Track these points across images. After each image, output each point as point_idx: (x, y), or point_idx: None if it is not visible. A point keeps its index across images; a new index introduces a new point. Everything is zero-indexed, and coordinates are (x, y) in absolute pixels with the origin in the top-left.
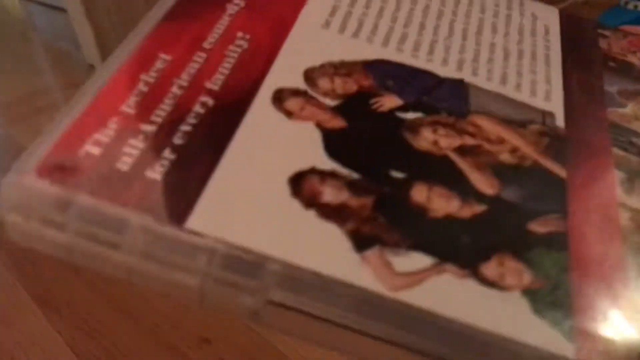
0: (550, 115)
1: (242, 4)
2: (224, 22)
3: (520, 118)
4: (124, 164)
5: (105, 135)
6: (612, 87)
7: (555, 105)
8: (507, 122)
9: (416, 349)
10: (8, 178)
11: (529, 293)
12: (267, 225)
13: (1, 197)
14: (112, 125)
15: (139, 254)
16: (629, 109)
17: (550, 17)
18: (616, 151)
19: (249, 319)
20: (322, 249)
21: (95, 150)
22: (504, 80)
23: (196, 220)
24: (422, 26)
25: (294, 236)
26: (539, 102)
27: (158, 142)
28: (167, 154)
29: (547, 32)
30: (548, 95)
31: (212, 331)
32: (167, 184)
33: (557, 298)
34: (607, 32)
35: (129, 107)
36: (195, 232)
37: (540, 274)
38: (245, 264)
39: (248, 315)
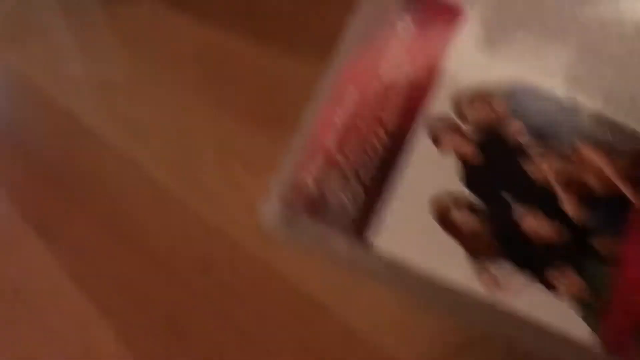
0: None
1: (409, 20)
2: (392, 45)
3: (623, 146)
4: (332, 195)
5: (317, 170)
6: None
7: None
8: (608, 151)
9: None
10: (266, 207)
11: (576, 299)
12: (418, 243)
13: (261, 218)
14: (321, 161)
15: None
16: None
17: None
18: None
19: None
20: (452, 261)
21: (313, 185)
22: (619, 105)
23: (375, 239)
24: (564, 43)
25: (434, 251)
26: None
27: (351, 176)
28: (356, 186)
29: None
30: None
31: (214, 258)
32: (357, 212)
33: (591, 303)
34: None
35: (329, 143)
36: (375, 248)
37: (589, 285)
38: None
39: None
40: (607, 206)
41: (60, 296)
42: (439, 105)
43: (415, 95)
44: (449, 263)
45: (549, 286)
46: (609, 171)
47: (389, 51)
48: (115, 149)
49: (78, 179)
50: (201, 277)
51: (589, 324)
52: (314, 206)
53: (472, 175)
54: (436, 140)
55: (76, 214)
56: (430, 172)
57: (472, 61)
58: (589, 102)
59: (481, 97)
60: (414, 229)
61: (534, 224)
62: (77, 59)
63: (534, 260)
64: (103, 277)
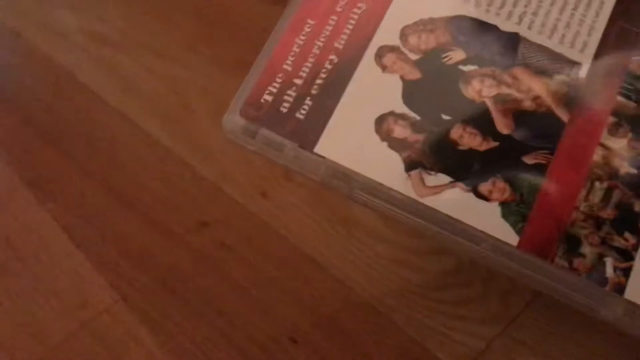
0: (578, 66)
1: None
2: None
3: (552, 68)
4: (285, 107)
5: (274, 87)
6: None
7: (587, 55)
8: (540, 73)
9: (429, 234)
10: (225, 119)
11: (503, 204)
12: (357, 152)
13: (224, 127)
14: (278, 79)
15: (290, 164)
16: None
17: None
18: (620, 99)
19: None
20: (387, 169)
21: (269, 98)
22: (552, 32)
23: (319, 147)
24: None
25: (372, 160)
26: (574, 53)
27: (303, 92)
28: (308, 101)
29: None
30: (584, 46)
31: (210, 215)
32: (306, 123)
33: (519, 209)
34: None
35: (287, 65)
36: (319, 155)
37: (516, 192)
38: (342, 175)
39: (347, 197)
40: (540, 124)
41: (54, 250)
42: (388, 34)
43: (367, 25)
44: (388, 172)
45: (480, 195)
46: (542, 92)
47: None
48: (109, 105)
49: (73, 135)
50: (197, 234)
51: (514, 228)
52: (270, 118)
53: (413, 94)
54: (383, 65)
55: (71, 171)
56: (375, 92)
57: None
58: (530, 35)
59: (425, 27)
60: (356, 140)
61: (468, 139)
62: (70, 13)
63: (468, 173)
64: (98, 233)
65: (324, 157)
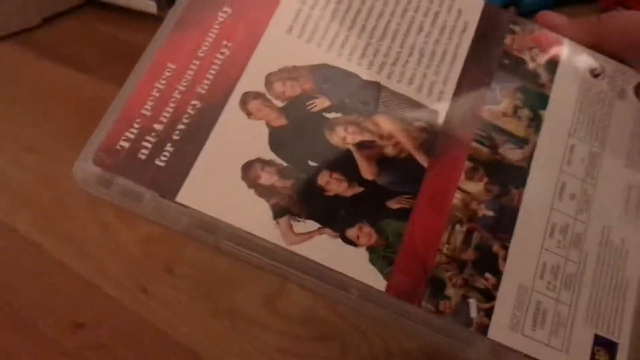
0: (435, 113)
1: (230, 11)
2: (214, 30)
3: (412, 116)
4: (143, 154)
5: (131, 133)
6: (497, 84)
7: (443, 103)
8: (400, 120)
9: (298, 281)
10: (76, 166)
11: (370, 249)
12: (223, 200)
13: (75, 176)
14: (136, 125)
15: (150, 215)
16: (502, 105)
17: (473, 12)
18: (474, 144)
19: (215, 249)
20: (255, 217)
21: (126, 145)
22: (411, 81)
23: (182, 196)
24: (362, 28)
25: (238, 208)
26: (432, 102)
27: (163, 138)
28: (168, 147)
29: (464, 29)
30: (441, 95)
31: (86, 315)
32: (167, 170)
33: (386, 253)
34: (517, 28)
35: (146, 110)
36: (181, 204)
37: (382, 237)
38: (207, 226)
39: (213, 247)
40: (401, 170)
41: None
42: (253, 81)
43: (231, 71)
44: (255, 220)
45: (348, 241)
46: (402, 139)
47: (208, 34)
48: None
49: None
50: (71, 336)
51: (381, 272)
52: (127, 166)
53: (279, 140)
54: (248, 111)
55: None
56: (241, 138)
57: (283, 44)
58: (388, 82)
59: (290, 75)
60: (222, 188)
61: (335, 185)
62: None
63: (335, 219)
64: None
65: (187, 207)
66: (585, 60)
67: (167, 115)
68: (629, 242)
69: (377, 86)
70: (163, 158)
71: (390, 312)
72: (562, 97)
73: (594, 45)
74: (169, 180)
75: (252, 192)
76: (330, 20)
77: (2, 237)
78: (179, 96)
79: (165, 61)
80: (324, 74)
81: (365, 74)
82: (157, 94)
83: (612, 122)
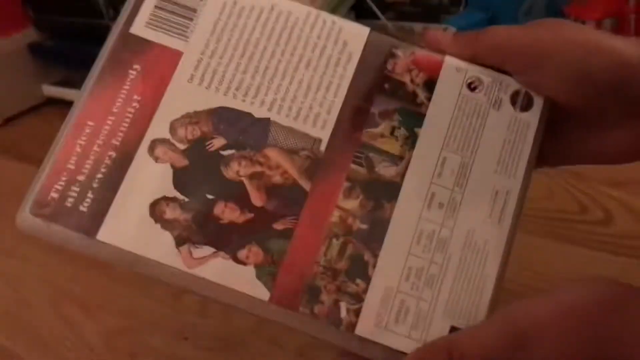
0: (319, 141)
1: (139, 68)
2: (126, 87)
3: (298, 146)
4: (69, 202)
5: (59, 185)
6: (377, 108)
7: (326, 131)
8: (287, 151)
9: (199, 294)
10: (19, 217)
11: (258, 267)
12: (134, 235)
13: (18, 224)
14: (63, 178)
15: (82, 252)
16: (381, 127)
17: (357, 42)
18: (353, 166)
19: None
20: (161, 247)
21: (56, 196)
22: (297, 114)
23: (102, 234)
24: (256, 70)
25: (147, 241)
26: (316, 131)
27: (85, 187)
28: (89, 194)
29: (349, 59)
30: (324, 124)
31: None
32: (89, 214)
33: (271, 269)
34: (399, 51)
35: (71, 164)
36: (101, 242)
37: (268, 255)
38: (124, 256)
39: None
40: (286, 195)
41: None
42: (159, 128)
43: (140, 122)
44: (161, 250)
45: (239, 261)
46: (288, 167)
47: (121, 92)
48: None
49: None
50: None
51: (266, 286)
52: (57, 213)
53: (182, 179)
54: (155, 157)
55: None
56: (149, 181)
57: (185, 92)
58: (278, 119)
59: (191, 120)
60: (133, 225)
61: (229, 214)
62: None
63: (229, 242)
64: None
65: (106, 243)
66: (462, 75)
67: (88, 167)
68: (491, 243)
69: (267, 122)
70: (85, 204)
71: (274, 318)
72: (438, 114)
73: (475, 60)
74: (91, 223)
75: (158, 226)
76: (227, 66)
77: None
78: (97, 149)
79: (86, 119)
80: (220, 116)
81: (257, 112)
82: (80, 150)
83: (485, 132)
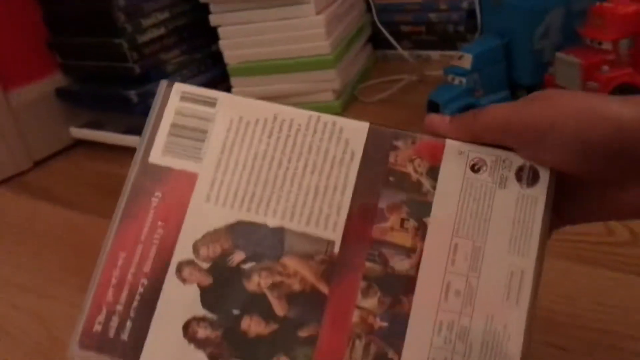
0: (332, 243)
1: (160, 194)
2: (150, 215)
3: (312, 251)
4: (111, 333)
5: (102, 317)
6: (384, 202)
7: (338, 232)
8: (303, 257)
9: None
10: (70, 350)
11: None
12: (172, 357)
13: (69, 358)
14: (104, 309)
15: None
16: (390, 221)
17: (358, 139)
18: (367, 264)
19: None
20: None
21: (99, 328)
22: (309, 219)
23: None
24: (266, 181)
25: None
26: (328, 233)
27: (124, 317)
28: (128, 323)
29: (352, 158)
30: (335, 225)
31: None
32: (129, 343)
33: None
34: (399, 142)
35: (109, 296)
36: None
37: None
38: None
39: None
40: (306, 301)
41: None
42: (184, 251)
43: (166, 247)
44: None
45: None
46: (305, 273)
47: (146, 220)
48: None
49: None
50: None
51: None
52: (102, 344)
53: (208, 297)
54: (183, 279)
55: None
56: (180, 303)
57: (204, 212)
58: (292, 226)
59: (212, 238)
60: (169, 348)
61: (255, 327)
62: None
63: (257, 355)
64: None
65: None
66: (464, 158)
67: (124, 297)
68: (510, 326)
69: (281, 230)
70: (125, 333)
71: None
72: (445, 201)
73: (475, 141)
74: (133, 351)
75: (192, 346)
76: (239, 182)
77: None
78: (130, 279)
79: (118, 252)
80: (238, 230)
81: (271, 222)
82: (115, 280)
83: (494, 213)
